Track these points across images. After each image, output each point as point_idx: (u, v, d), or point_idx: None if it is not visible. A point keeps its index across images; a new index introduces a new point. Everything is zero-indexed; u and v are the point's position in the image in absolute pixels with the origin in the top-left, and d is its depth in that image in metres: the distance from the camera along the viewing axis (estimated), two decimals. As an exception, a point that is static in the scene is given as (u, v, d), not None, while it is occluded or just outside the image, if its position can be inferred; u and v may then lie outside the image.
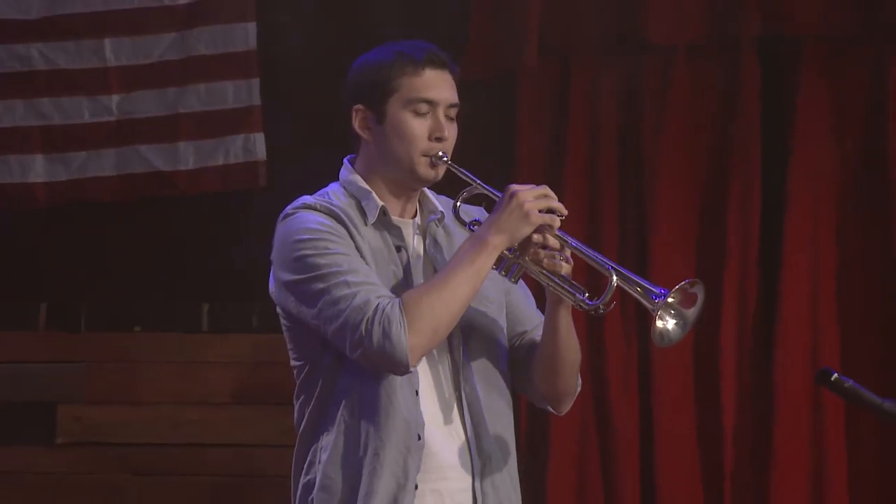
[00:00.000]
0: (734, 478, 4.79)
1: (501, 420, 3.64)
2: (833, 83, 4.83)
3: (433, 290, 3.44)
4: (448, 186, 3.62)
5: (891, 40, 4.76)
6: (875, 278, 4.77)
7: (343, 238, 3.53)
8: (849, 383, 3.44)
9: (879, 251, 4.78)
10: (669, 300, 3.39)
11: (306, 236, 3.54)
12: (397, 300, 3.39)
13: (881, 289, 4.76)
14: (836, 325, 4.78)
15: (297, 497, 3.59)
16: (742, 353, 4.82)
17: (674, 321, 3.41)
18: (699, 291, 3.42)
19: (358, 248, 3.54)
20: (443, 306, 3.43)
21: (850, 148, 4.82)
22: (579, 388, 3.66)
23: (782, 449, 4.73)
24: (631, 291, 3.43)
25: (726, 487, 4.78)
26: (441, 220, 3.69)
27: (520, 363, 3.67)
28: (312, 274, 3.49)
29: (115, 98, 5.24)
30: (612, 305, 3.42)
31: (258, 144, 5.11)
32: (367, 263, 3.52)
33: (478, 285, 3.46)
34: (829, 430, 4.72)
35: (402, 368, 3.40)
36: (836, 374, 3.45)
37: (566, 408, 3.72)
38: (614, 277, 3.40)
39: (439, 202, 3.68)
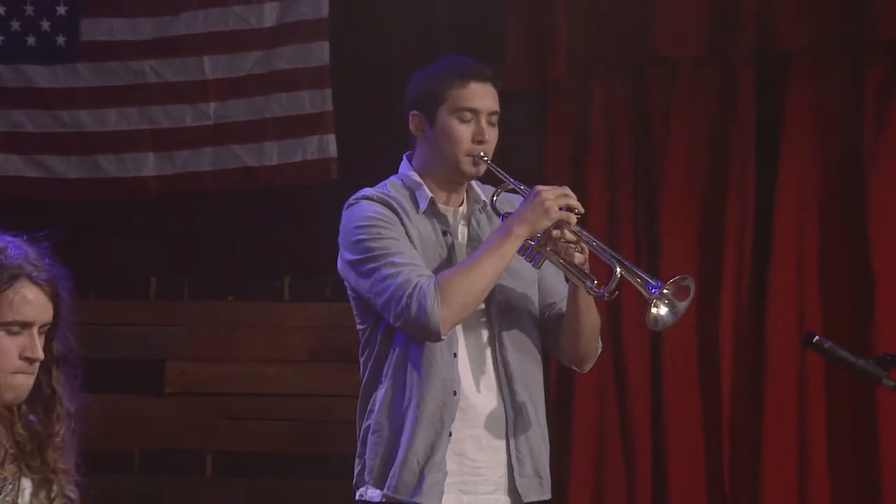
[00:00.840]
0: (731, 420, 4.76)
1: (532, 378, 3.69)
2: (817, 91, 4.78)
3: (463, 270, 3.50)
4: (488, 181, 3.71)
5: (866, 53, 4.71)
6: (850, 256, 4.73)
7: (394, 225, 3.59)
8: (828, 344, 3.45)
9: (855, 233, 4.73)
10: (664, 291, 3.46)
11: (363, 223, 3.61)
12: (433, 279, 3.46)
13: (855, 265, 4.72)
14: (818, 296, 4.74)
15: (360, 438, 3.67)
16: (739, 320, 4.80)
17: (667, 309, 3.47)
18: (691, 285, 3.48)
19: (407, 234, 3.61)
20: (471, 285, 3.49)
21: (832, 146, 4.77)
22: (600, 351, 3.74)
23: (772, 398, 4.71)
24: (632, 282, 3.49)
25: (724, 430, 4.76)
26: (484, 207, 3.77)
27: (549, 329, 3.73)
28: (366, 255, 3.56)
29: (213, 105, 5.28)
30: (616, 294, 3.51)
31: (330, 144, 5.13)
32: (414, 246, 3.59)
33: (502, 267, 3.51)
34: (812, 384, 4.70)
35: (435, 336, 3.46)
36: (817, 337, 3.46)
37: (588, 367, 3.78)
38: (618, 270, 3.49)
39: (483, 192, 3.72)
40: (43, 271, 2.95)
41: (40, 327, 2.94)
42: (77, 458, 3.08)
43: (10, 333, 2.91)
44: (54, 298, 2.96)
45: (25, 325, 2.91)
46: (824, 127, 4.79)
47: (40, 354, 2.92)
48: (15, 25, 5.34)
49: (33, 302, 2.92)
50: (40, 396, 3.01)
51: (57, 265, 2.99)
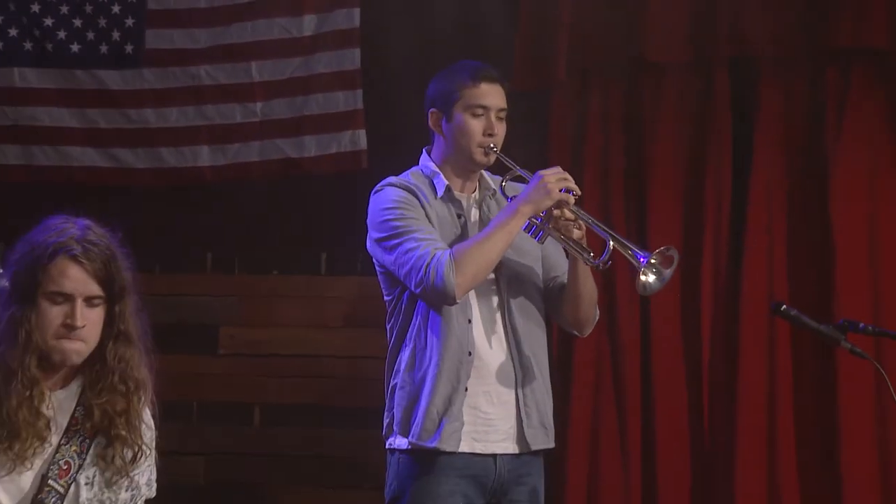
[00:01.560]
0: (710, 374, 4.76)
1: (537, 341, 3.72)
2: (784, 93, 4.77)
3: (475, 244, 3.53)
4: (498, 169, 3.76)
5: (826, 59, 4.69)
6: (814, 235, 4.73)
7: (415, 207, 3.62)
8: (794, 311, 3.47)
9: (818, 216, 4.73)
10: (652, 261, 3.48)
11: (388, 206, 3.63)
12: (449, 251, 3.50)
13: (818, 243, 4.72)
14: (785, 269, 4.74)
15: (388, 394, 3.72)
16: (717, 290, 4.79)
17: (654, 276, 3.50)
18: (675, 255, 3.51)
19: (427, 215, 3.64)
20: (482, 256, 3.51)
21: (798, 141, 4.77)
22: (597, 318, 3.76)
23: (746, 356, 4.71)
24: (623, 253, 3.52)
25: (704, 382, 4.77)
26: (494, 194, 3.79)
27: (553, 299, 3.75)
28: (391, 233, 3.58)
29: (259, 104, 5.28)
30: (610, 263, 3.56)
31: (361, 138, 5.13)
32: (432, 226, 3.59)
33: (509, 241, 3.53)
34: (780, 345, 4.70)
35: (451, 300, 3.49)
36: (784, 305, 3.48)
37: (588, 332, 3.83)
38: (611, 243, 3.52)
39: (493, 181, 3.74)
40: (87, 250, 2.94)
41: (87, 299, 2.94)
42: (144, 413, 3.09)
43: (54, 303, 2.92)
44: (100, 275, 2.94)
45: (68, 297, 2.92)
46: (791, 125, 4.78)
47: (79, 323, 2.91)
48: (90, 36, 5.36)
49: (72, 276, 2.92)
50: (104, 362, 3.02)
51: (114, 246, 2.99)
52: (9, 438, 2.89)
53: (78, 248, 2.91)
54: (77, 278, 2.91)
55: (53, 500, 2.97)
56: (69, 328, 2.91)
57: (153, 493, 3.18)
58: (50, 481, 2.96)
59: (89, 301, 2.94)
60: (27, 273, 2.91)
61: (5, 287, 3.00)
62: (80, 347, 2.94)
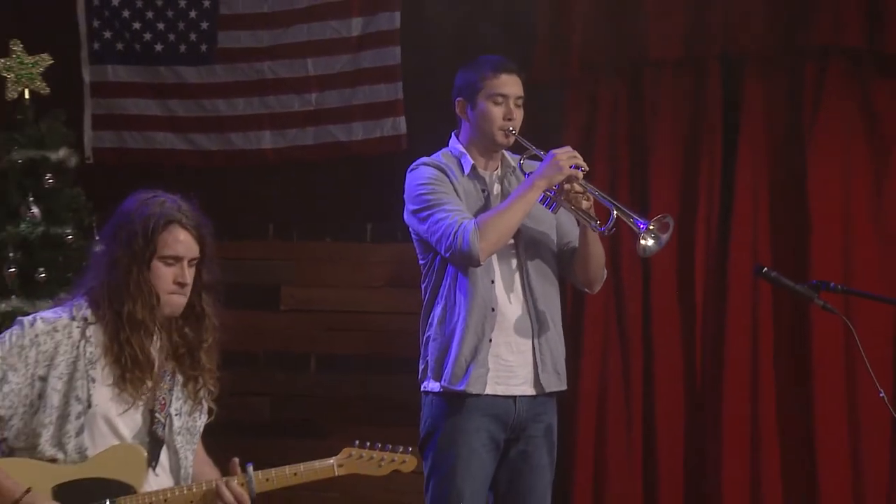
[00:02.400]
0: (703, 326, 4.74)
1: (551, 299, 3.73)
2: (768, 84, 4.72)
3: (497, 213, 3.53)
4: (516, 150, 3.72)
5: (807, 57, 4.62)
6: (793, 207, 4.69)
7: (444, 183, 3.62)
8: (774, 273, 3.45)
9: (796, 190, 4.68)
10: (650, 227, 3.47)
11: (422, 182, 3.64)
12: (474, 220, 3.51)
13: (796, 214, 4.67)
14: (768, 236, 4.70)
15: (422, 345, 3.75)
16: (708, 255, 4.77)
17: (652, 240, 3.48)
18: (670, 222, 3.50)
19: (455, 190, 3.65)
20: (502, 224, 3.51)
21: (779, 126, 4.71)
22: (605, 277, 3.75)
23: (732, 313, 4.68)
24: (626, 221, 3.51)
25: (697, 333, 4.75)
26: (513, 171, 3.78)
27: (565, 261, 3.76)
28: (424, 205, 3.58)
29: (314, 95, 5.27)
30: (614, 230, 3.54)
31: (401, 124, 5.12)
32: (460, 199, 3.59)
33: (526, 211, 3.54)
34: (762, 302, 4.67)
35: (475, 263, 3.50)
36: (766, 268, 3.45)
37: (597, 289, 3.84)
38: (615, 212, 3.51)
39: (512, 160, 3.72)
40: (191, 219, 3.04)
41: (189, 261, 3.03)
42: (218, 359, 3.16)
43: (167, 264, 3.00)
44: (199, 240, 3.04)
45: (177, 259, 3.00)
46: (774, 114, 4.72)
47: (188, 280, 3.02)
48: (171, 37, 5.39)
49: (183, 242, 3.01)
50: (193, 313, 3.10)
51: (202, 216, 3.08)
52: (127, 382, 2.97)
53: (184, 219, 3.01)
54: (186, 243, 3.01)
55: (160, 430, 3.03)
56: (180, 285, 3.00)
57: (210, 418, 3.23)
58: (156, 415, 3.03)
59: (190, 262, 3.03)
60: (143, 241, 2.97)
61: (106, 252, 3.06)
62: (184, 301, 3.04)
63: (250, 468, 2.99)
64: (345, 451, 3.05)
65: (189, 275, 3.02)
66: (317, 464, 3.02)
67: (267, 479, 3.00)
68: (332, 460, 3.03)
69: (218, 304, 3.14)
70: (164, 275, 2.99)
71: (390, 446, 3.07)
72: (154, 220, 2.98)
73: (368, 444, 3.06)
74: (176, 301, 3.02)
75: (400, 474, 3.13)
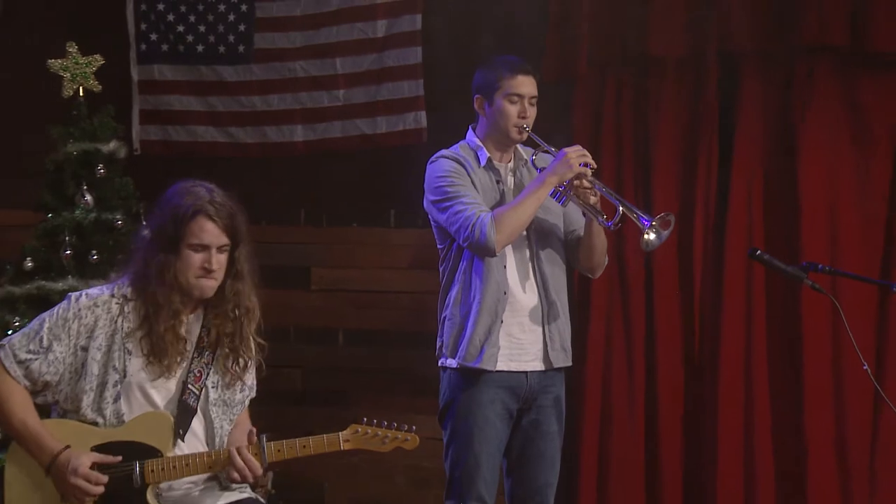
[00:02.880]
0: (700, 306, 4.72)
1: (559, 283, 3.72)
2: (762, 81, 4.68)
3: (512, 208, 3.52)
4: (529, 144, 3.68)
5: (798, 54, 4.57)
6: (784, 195, 4.65)
7: (462, 175, 3.60)
8: (766, 256, 3.42)
9: (788, 179, 4.64)
10: (653, 224, 3.45)
11: (441, 174, 3.62)
12: (490, 214, 3.49)
13: (787, 200, 4.64)
14: (762, 222, 4.68)
15: (440, 324, 3.74)
16: (706, 242, 4.74)
17: (654, 235, 3.47)
18: (672, 220, 3.49)
19: (472, 182, 3.62)
20: (516, 217, 3.50)
21: (772, 121, 4.67)
22: (606, 264, 3.73)
23: (729, 294, 4.65)
24: (631, 217, 3.50)
25: (696, 312, 4.73)
26: (525, 164, 3.75)
27: (572, 249, 3.75)
28: (444, 196, 3.57)
29: (342, 92, 5.26)
30: (620, 225, 3.52)
31: (422, 118, 5.10)
32: (476, 191, 3.57)
33: (538, 206, 3.54)
34: (755, 282, 4.64)
35: (491, 253, 3.49)
36: (759, 251, 3.43)
37: (598, 274, 3.81)
38: (620, 208, 3.50)
39: (525, 153, 3.70)
40: (219, 209, 3.04)
41: (218, 248, 3.03)
42: (253, 332, 3.18)
43: (195, 251, 3.02)
44: (228, 229, 3.04)
45: (205, 247, 3.02)
46: (767, 107, 4.68)
47: (215, 266, 3.03)
48: (211, 39, 5.40)
49: (209, 231, 3.01)
50: (228, 295, 3.11)
51: (235, 204, 3.08)
52: (157, 355, 3.01)
53: (212, 209, 3.01)
54: (212, 232, 3.01)
55: (192, 400, 3.06)
56: (206, 270, 3.02)
57: (254, 394, 3.27)
58: (188, 386, 3.06)
59: (220, 249, 3.04)
60: (173, 229, 3.00)
61: (147, 237, 3.09)
62: (213, 284, 3.05)
63: (263, 439, 3.00)
64: (352, 427, 3.04)
65: (217, 261, 3.03)
66: (325, 438, 3.01)
67: (278, 450, 3.01)
68: (339, 435, 3.02)
69: (254, 288, 3.15)
70: (192, 261, 3.01)
71: (395, 425, 3.06)
72: (183, 210, 3.00)
73: (375, 421, 3.04)
74: (205, 284, 3.03)
75: (422, 442, 3.12)
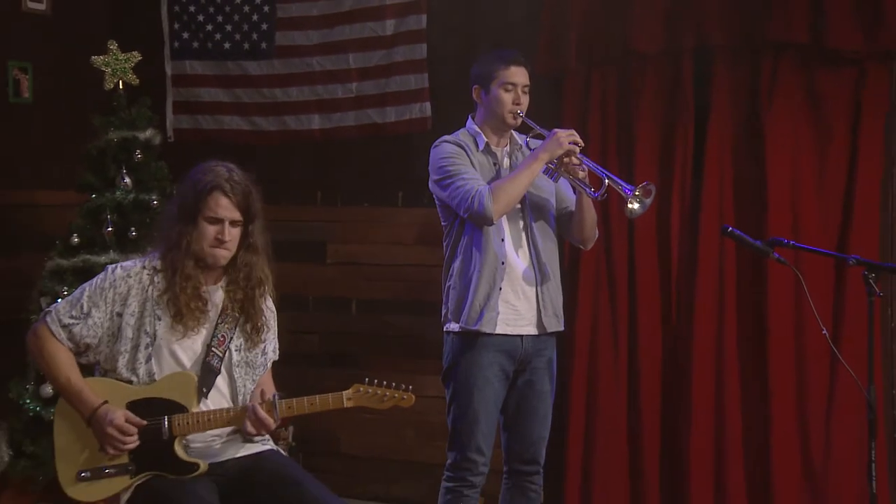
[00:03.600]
0: (677, 276, 4.66)
1: (551, 254, 3.71)
2: (732, 74, 4.60)
3: (507, 181, 3.49)
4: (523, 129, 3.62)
5: (764, 50, 4.50)
6: (752, 177, 4.58)
7: (462, 157, 3.57)
8: (737, 232, 3.38)
9: (755, 163, 4.57)
10: (636, 193, 3.40)
11: (444, 156, 3.58)
12: (488, 186, 3.44)
13: (755, 181, 4.56)
14: (732, 201, 4.61)
15: (444, 292, 3.75)
16: (683, 218, 4.68)
17: (637, 204, 3.42)
18: (652, 189, 3.43)
19: (471, 162, 3.60)
20: (512, 189, 3.47)
21: (741, 111, 4.60)
22: (597, 236, 3.69)
23: (703, 266, 4.59)
24: (615, 188, 3.43)
25: (672, 280, 4.67)
26: (520, 148, 3.71)
27: (564, 222, 3.73)
28: (446, 175, 3.54)
29: (354, 84, 5.20)
30: (606, 196, 3.46)
31: (426, 108, 5.04)
32: (475, 170, 3.52)
33: (531, 179, 3.49)
34: (727, 257, 4.58)
35: (489, 222, 3.46)
36: (730, 228, 3.39)
37: (590, 246, 3.80)
38: (606, 181, 3.45)
39: (519, 138, 3.66)
40: (235, 186, 3.04)
41: (231, 222, 3.04)
42: (266, 301, 3.19)
43: (210, 223, 3.03)
44: (241, 205, 3.04)
45: (218, 220, 3.02)
46: (736, 98, 4.60)
47: (227, 238, 3.03)
48: (237, 37, 5.35)
49: (223, 206, 3.02)
50: (242, 266, 3.11)
51: (251, 184, 3.08)
52: (179, 316, 3.02)
53: (227, 186, 3.02)
54: (226, 207, 3.01)
55: (215, 361, 3.07)
56: (219, 241, 3.02)
57: (277, 357, 3.28)
58: (212, 349, 3.07)
59: (233, 223, 3.04)
60: (192, 202, 3.01)
61: (171, 210, 3.12)
62: (225, 254, 3.05)
63: (276, 397, 2.99)
64: (354, 387, 3.02)
65: (229, 233, 3.03)
66: (330, 397, 3.01)
67: (289, 407, 3.00)
68: (343, 394, 3.01)
69: (267, 260, 3.15)
70: (207, 232, 3.02)
71: (394, 384, 3.04)
72: (202, 185, 3.02)
73: (376, 381, 3.03)
74: (218, 253, 3.04)
75: (428, 400, 3.11)
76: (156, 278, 3.07)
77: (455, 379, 3.54)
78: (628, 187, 3.41)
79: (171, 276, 3.03)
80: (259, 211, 3.10)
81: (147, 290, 3.06)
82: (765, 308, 4.50)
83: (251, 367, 3.15)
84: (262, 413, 2.96)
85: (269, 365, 3.24)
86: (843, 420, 4.43)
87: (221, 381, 3.08)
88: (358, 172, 5.27)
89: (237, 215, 3.03)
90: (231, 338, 3.09)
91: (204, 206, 3.00)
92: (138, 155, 4.66)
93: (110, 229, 4.56)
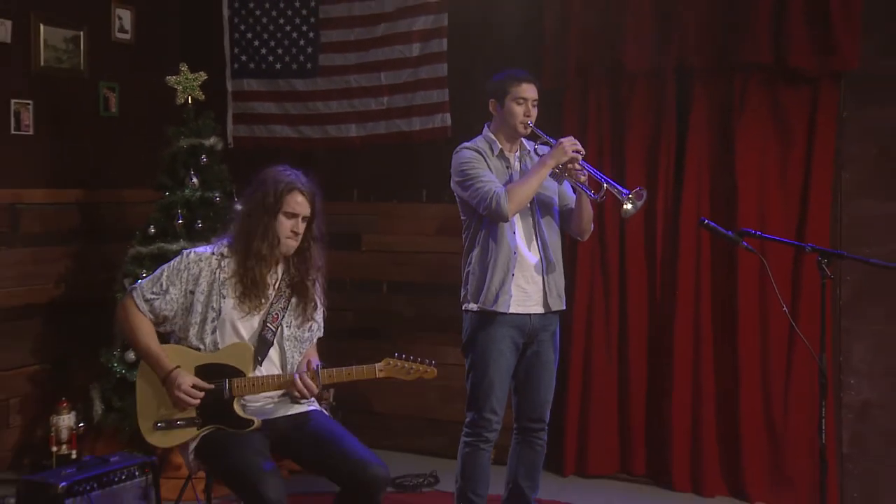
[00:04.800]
0: (662, 260, 4.61)
1: (556, 244, 3.65)
2: (708, 92, 4.52)
3: (520, 184, 3.43)
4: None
5: (735, 69, 4.41)
6: (724, 177, 4.50)
7: (480, 161, 3.50)
8: (712, 224, 3.31)
9: (726, 167, 4.50)
10: (630, 196, 3.32)
11: (464, 160, 3.52)
12: (503, 188, 3.36)
13: (727, 181, 4.49)
14: (708, 197, 4.54)
15: (463, 277, 3.69)
16: (666, 214, 4.62)
17: (631, 205, 3.35)
18: (644, 193, 3.37)
19: (488, 166, 3.53)
20: (524, 191, 3.41)
21: (716, 123, 4.52)
22: (592, 230, 3.63)
23: (683, 253, 4.53)
24: (612, 191, 3.36)
25: (658, 265, 4.61)
26: (529, 154, 3.64)
27: (565, 218, 3.68)
28: (466, 177, 3.48)
29: (385, 98, 5.13)
30: (604, 198, 3.37)
31: (447, 119, 4.97)
32: (491, 172, 3.46)
33: (541, 182, 3.46)
34: (704, 245, 4.52)
35: (505, 219, 3.40)
36: (706, 220, 3.31)
37: (586, 238, 3.74)
38: (605, 185, 3.36)
39: (528, 145, 3.60)
40: (307, 187, 3.07)
41: (303, 217, 3.05)
42: (318, 284, 3.18)
43: (288, 217, 3.04)
44: (311, 202, 3.07)
45: (295, 215, 3.04)
46: (712, 112, 4.52)
47: (300, 231, 3.05)
48: (286, 59, 5.28)
49: (300, 203, 3.05)
50: (304, 255, 3.11)
51: (315, 185, 3.12)
52: (246, 296, 3.02)
53: (303, 187, 3.05)
54: (302, 204, 3.05)
55: (269, 335, 3.06)
56: (294, 233, 3.04)
57: (322, 334, 3.27)
58: (267, 324, 3.06)
59: (303, 218, 3.06)
60: (273, 199, 3.01)
61: (242, 209, 3.09)
62: (295, 244, 3.07)
63: (318, 367, 3.00)
64: (385, 360, 3.02)
65: (301, 227, 3.04)
66: (365, 368, 3.01)
67: (329, 376, 3.00)
68: (375, 366, 3.01)
69: (323, 251, 3.15)
70: (284, 225, 3.02)
71: (420, 359, 3.03)
72: (283, 184, 3.02)
73: (404, 356, 3.02)
74: (290, 244, 3.04)
75: (448, 367, 3.08)
76: (223, 263, 3.06)
77: (473, 350, 3.50)
78: (625, 191, 3.34)
79: (245, 261, 3.01)
80: (321, 209, 3.11)
81: (215, 273, 3.05)
82: (735, 289, 4.44)
83: (299, 341, 3.15)
84: (308, 380, 2.97)
85: (315, 340, 3.22)
86: (799, 383, 4.38)
87: (273, 352, 3.08)
88: (388, 173, 5.22)
89: (308, 211, 3.05)
90: (283, 316, 3.08)
91: (284, 203, 3.00)
92: (204, 159, 4.66)
93: (181, 222, 4.56)
